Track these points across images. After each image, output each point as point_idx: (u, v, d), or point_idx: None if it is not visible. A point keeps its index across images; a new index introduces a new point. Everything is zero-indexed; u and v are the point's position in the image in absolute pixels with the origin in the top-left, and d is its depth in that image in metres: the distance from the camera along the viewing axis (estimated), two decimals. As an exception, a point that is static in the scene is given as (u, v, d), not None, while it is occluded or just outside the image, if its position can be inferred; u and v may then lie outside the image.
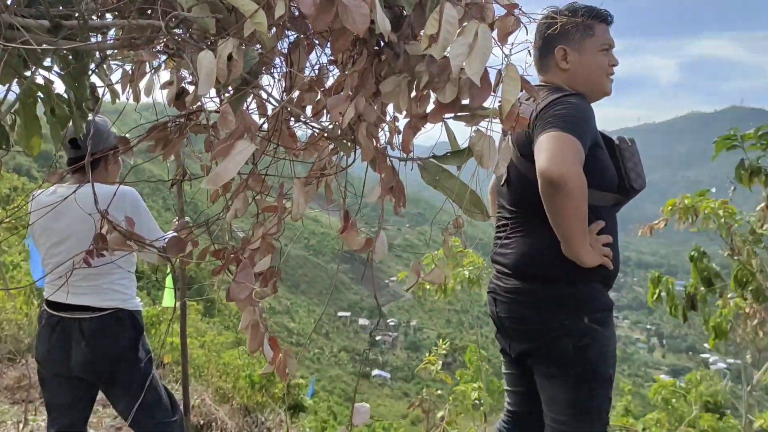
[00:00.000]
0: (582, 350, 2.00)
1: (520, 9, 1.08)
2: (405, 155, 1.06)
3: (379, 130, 1.12)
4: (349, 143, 1.09)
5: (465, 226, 1.14)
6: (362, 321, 66.38)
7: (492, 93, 0.97)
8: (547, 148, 1.82)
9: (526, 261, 2.08)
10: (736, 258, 3.84)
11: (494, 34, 1.08)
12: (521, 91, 0.96)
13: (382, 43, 1.05)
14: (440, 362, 4.83)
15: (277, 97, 1.19)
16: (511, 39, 1.07)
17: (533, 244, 2.08)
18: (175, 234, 1.28)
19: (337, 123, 1.05)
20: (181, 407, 2.73)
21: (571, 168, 1.78)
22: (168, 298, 4.71)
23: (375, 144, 1.04)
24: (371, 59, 1.02)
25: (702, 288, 4.11)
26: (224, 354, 7.09)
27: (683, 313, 4.06)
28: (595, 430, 2.06)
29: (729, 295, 3.99)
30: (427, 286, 5.74)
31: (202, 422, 5.19)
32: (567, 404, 2.05)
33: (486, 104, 1.00)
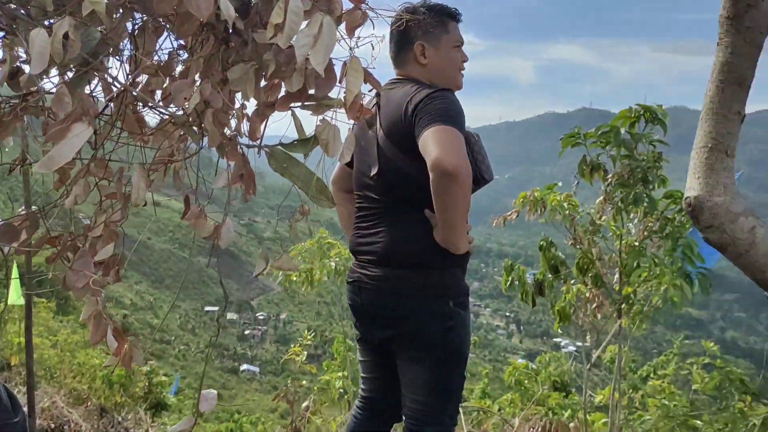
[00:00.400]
0: (447, 333, 2.12)
1: (367, 3, 1.12)
2: (252, 142, 1.07)
3: (230, 117, 1.12)
4: (197, 129, 1.08)
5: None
6: (231, 315, 64.88)
7: (338, 84, 1.00)
8: (438, 142, 1.89)
9: (397, 249, 2.14)
10: (578, 247, 4.16)
11: (342, 26, 1.11)
12: (365, 83, 1.00)
13: (231, 30, 1.05)
14: (305, 353, 4.84)
15: (124, 81, 1.15)
16: (358, 32, 1.11)
17: (404, 232, 2.14)
18: (5, 221, 1.21)
19: (184, 108, 1.03)
20: (26, 409, 2.56)
21: (463, 161, 1.88)
22: (14, 295, 4.36)
23: (222, 131, 1.04)
24: (218, 45, 1.02)
25: (549, 275, 4.41)
26: (79, 353, 6.69)
27: (532, 298, 4.34)
28: (451, 406, 2.21)
29: (572, 282, 4.31)
30: (294, 278, 5.73)
31: (53, 426, 4.86)
32: (429, 385, 2.15)
33: (333, 94, 1.03)
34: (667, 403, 4.41)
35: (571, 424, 5.20)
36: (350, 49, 0.98)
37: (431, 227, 2.09)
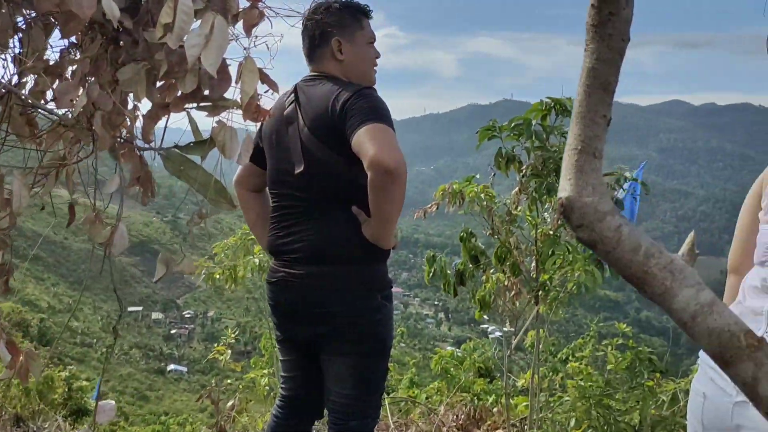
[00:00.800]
0: (375, 326, 2.17)
1: (264, 2, 1.11)
2: (146, 144, 1.04)
3: (124, 118, 1.08)
4: (89, 132, 1.04)
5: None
6: (156, 315, 63.01)
7: (234, 84, 0.99)
8: (375, 140, 1.91)
9: (325, 246, 2.14)
10: (496, 237, 4.27)
11: (239, 25, 1.09)
12: (262, 83, 0.99)
13: (120, 29, 1.02)
14: (229, 352, 4.77)
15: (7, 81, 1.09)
16: (255, 31, 1.09)
17: (332, 228, 2.14)
18: None
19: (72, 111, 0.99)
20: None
21: (401, 159, 1.92)
22: None
23: (114, 133, 1.00)
24: (107, 45, 0.98)
25: (470, 265, 4.51)
26: (-11, 362, 6.36)
27: (454, 288, 4.43)
28: (376, 398, 2.27)
29: (491, 271, 4.42)
30: (217, 276, 5.63)
31: (-40, 439, 4.62)
32: (356, 378, 2.18)
33: (230, 95, 1.01)
34: (582, 384, 4.59)
35: (495, 409, 5.35)
36: (245, 49, 0.97)
37: (358, 223, 2.11)
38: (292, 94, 2.23)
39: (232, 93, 0.97)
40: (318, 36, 2.21)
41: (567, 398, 5.24)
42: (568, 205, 0.61)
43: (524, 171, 4.07)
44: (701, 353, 1.55)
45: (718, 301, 0.57)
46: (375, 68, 2.31)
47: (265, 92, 0.97)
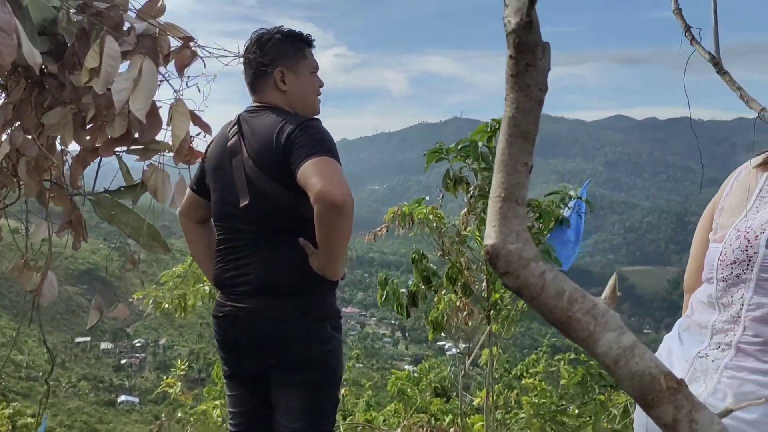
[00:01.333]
0: (325, 356, 2.15)
1: (196, 42, 1.10)
2: (75, 190, 1.01)
3: (51, 163, 1.05)
4: (14, 178, 1.01)
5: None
6: (105, 345, 61.06)
7: (165, 127, 0.97)
8: (322, 173, 1.89)
9: (273, 278, 2.11)
10: (447, 258, 4.30)
11: (171, 66, 1.08)
12: (194, 125, 0.98)
13: (46, 71, 0.99)
14: (179, 384, 4.65)
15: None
16: (188, 71, 1.08)
17: (279, 261, 2.11)
18: None
19: (-4, 156, 0.96)
20: None
21: (348, 192, 1.90)
22: None
23: (40, 179, 0.97)
24: (31, 89, 0.95)
25: (422, 286, 4.52)
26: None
27: (406, 310, 4.44)
28: (327, 429, 2.23)
29: (443, 291, 4.45)
30: (165, 305, 5.52)
31: None
32: (306, 410, 2.15)
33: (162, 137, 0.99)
34: (536, 401, 4.63)
35: (451, 429, 5.35)
36: (175, 91, 0.95)
37: (305, 254, 2.09)
38: (236, 125, 2.21)
39: (164, 135, 0.96)
40: (260, 67, 2.20)
41: (522, 415, 5.28)
42: (494, 252, 0.62)
43: (472, 192, 4.12)
44: None
45: (640, 344, 0.58)
46: (319, 98, 2.31)
47: (197, 134, 0.95)
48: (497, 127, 4.10)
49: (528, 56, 0.62)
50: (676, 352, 1.52)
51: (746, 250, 1.37)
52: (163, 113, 0.99)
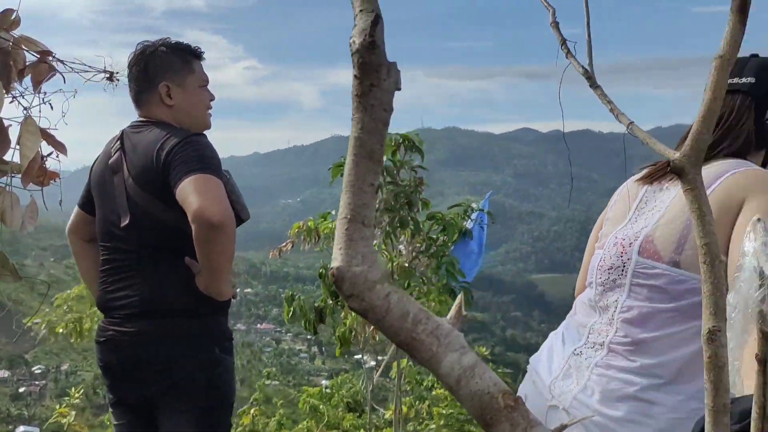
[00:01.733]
0: (214, 381, 2.06)
1: (55, 56, 1.04)
2: None
3: None
4: None
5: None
6: (1, 373, 57.20)
7: (14, 146, 0.91)
8: (199, 192, 1.81)
9: (156, 299, 2.02)
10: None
11: (27, 80, 1.02)
12: (48, 144, 0.92)
13: None
14: (73, 414, 4.41)
15: None
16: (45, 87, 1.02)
17: (163, 281, 2.02)
18: None
19: None
20: None
21: (227, 210, 1.83)
22: None
23: None
24: None
25: (330, 301, 4.50)
26: None
27: (314, 326, 4.40)
28: None
29: (351, 306, 4.44)
30: (60, 330, 5.26)
31: None
32: None
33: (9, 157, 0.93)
34: (444, 412, 4.69)
35: (363, 444, 5.33)
36: (25, 109, 0.89)
37: (191, 274, 2.01)
38: (118, 141, 2.11)
39: (12, 155, 0.89)
40: (144, 81, 2.11)
41: (432, 426, 5.33)
42: (339, 275, 0.61)
43: (378, 206, 4.14)
44: (531, 358, 1.68)
45: (481, 364, 0.58)
46: (210, 112, 2.25)
47: (49, 154, 0.90)
48: (401, 141, 4.15)
49: (372, 76, 0.61)
50: (557, 349, 1.59)
51: (621, 257, 1.47)
52: (13, 133, 0.93)
